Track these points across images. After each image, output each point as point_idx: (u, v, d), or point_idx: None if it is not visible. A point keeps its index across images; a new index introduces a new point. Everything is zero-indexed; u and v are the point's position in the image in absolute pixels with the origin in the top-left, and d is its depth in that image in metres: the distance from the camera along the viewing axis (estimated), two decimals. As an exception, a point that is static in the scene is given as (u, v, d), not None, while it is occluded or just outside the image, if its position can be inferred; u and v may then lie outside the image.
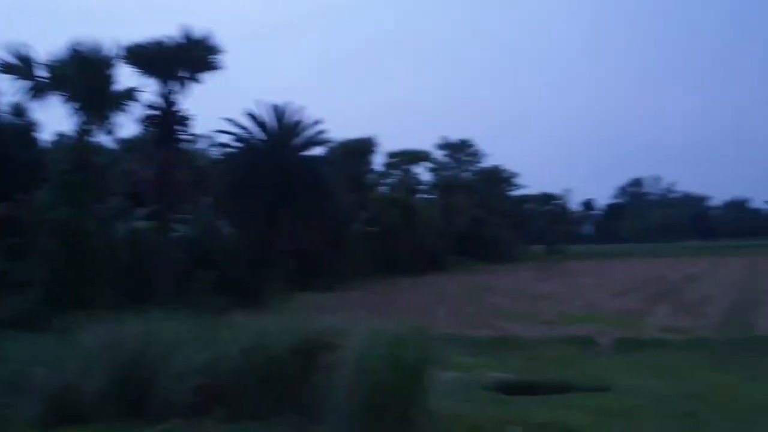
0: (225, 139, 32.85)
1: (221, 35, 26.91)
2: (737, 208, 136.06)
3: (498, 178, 68.88)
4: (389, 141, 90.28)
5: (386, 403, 6.62)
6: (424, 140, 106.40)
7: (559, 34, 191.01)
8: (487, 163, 68.49)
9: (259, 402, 7.42)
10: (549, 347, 14.40)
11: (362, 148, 45.19)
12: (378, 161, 51.10)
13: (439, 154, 65.19)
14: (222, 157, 34.11)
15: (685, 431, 7.64)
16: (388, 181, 54.12)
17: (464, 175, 66.61)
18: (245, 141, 32.12)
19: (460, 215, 54.84)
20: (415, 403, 6.91)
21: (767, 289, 26.91)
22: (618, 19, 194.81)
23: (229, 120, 31.66)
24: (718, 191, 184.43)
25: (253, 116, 31.84)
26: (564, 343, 14.92)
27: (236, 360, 7.59)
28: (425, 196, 57.68)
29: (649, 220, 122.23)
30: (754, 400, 8.86)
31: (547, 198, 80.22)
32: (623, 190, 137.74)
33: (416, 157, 56.39)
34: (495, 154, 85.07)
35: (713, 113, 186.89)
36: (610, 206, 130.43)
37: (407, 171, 55.86)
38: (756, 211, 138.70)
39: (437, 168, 63.13)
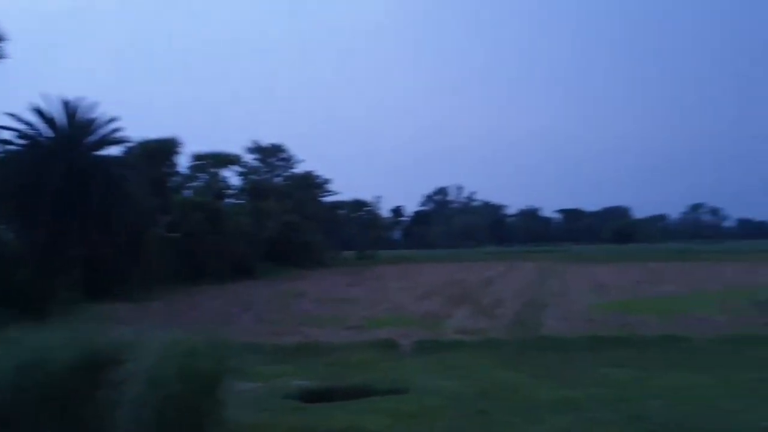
0: (7, 135, 29.61)
1: (5, 22, 24.33)
2: (530, 216, 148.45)
3: (311, 184, 68.66)
4: (196, 143, 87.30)
5: (179, 417, 6.18)
6: (234, 143, 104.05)
7: (370, 43, 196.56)
8: (300, 168, 68.35)
9: (36, 423, 6.58)
10: (353, 352, 14.41)
11: (165, 149, 42.64)
12: (183, 163, 48.78)
13: (249, 158, 64.08)
14: (3, 155, 30.68)
15: (476, 428, 7.80)
16: (194, 184, 51.82)
17: (276, 179, 65.91)
18: (31, 138, 29.18)
19: (271, 220, 54.07)
20: (209, 416, 6.53)
21: (554, 292, 29.15)
22: (429, 28, 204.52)
23: (12, 115, 28.62)
24: (514, 200, 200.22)
25: (40, 111, 29.02)
26: (368, 347, 15.00)
27: (10, 378, 6.63)
28: (234, 200, 56.16)
29: (452, 226, 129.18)
30: (540, 396, 9.29)
31: (358, 204, 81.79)
32: (429, 198, 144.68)
33: (225, 160, 54.43)
34: (308, 160, 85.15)
35: (510, 127, 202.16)
36: (418, 213, 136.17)
37: (215, 174, 53.82)
38: (546, 219, 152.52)
39: (247, 172, 61.78)
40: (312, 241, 58.52)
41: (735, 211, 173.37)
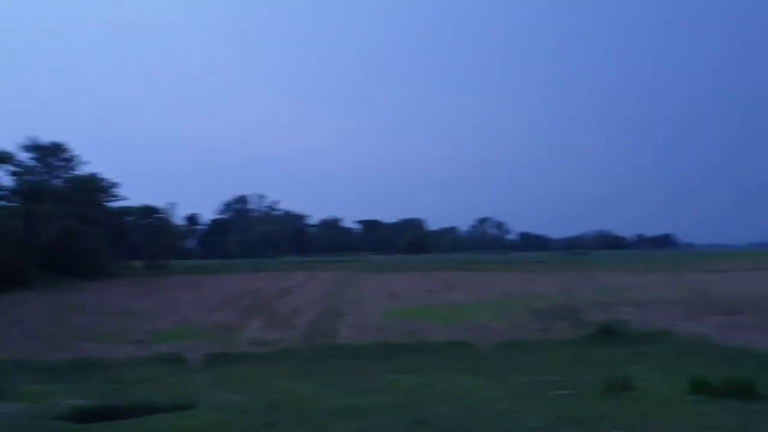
0: None
1: None
2: (331, 226, 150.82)
3: (95, 187, 63.27)
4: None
5: None
6: (6, 140, 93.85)
7: (168, 44, 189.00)
8: (83, 170, 62.88)
9: None
10: (136, 367, 13.55)
11: None
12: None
13: (25, 157, 57.90)
14: None
15: (262, 441, 7.51)
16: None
17: (55, 181, 60.13)
18: None
19: (48, 226, 49.28)
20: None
21: (350, 301, 29.54)
22: (228, 31, 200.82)
23: None
24: (316, 211, 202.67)
25: None
26: (153, 362, 14.23)
27: None
28: (5, 203, 50.39)
29: (252, 235, 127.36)
30: (330, 405, 9.18)
31: (149, 210, 77.45)
32: (228, 206, 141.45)
33: (-6, 157, 48.77)
34: (93, 162, 78.79)
35: (314, 138, 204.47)
36: (215, 221, 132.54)
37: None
38: (347, 230, 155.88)
39: (22, 172, 55.72)
40: (95, 248, 54.12)
41: (517, 225, 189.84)
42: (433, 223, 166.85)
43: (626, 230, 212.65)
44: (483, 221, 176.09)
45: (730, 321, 19.16)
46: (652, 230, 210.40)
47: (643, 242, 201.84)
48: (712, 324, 18.55)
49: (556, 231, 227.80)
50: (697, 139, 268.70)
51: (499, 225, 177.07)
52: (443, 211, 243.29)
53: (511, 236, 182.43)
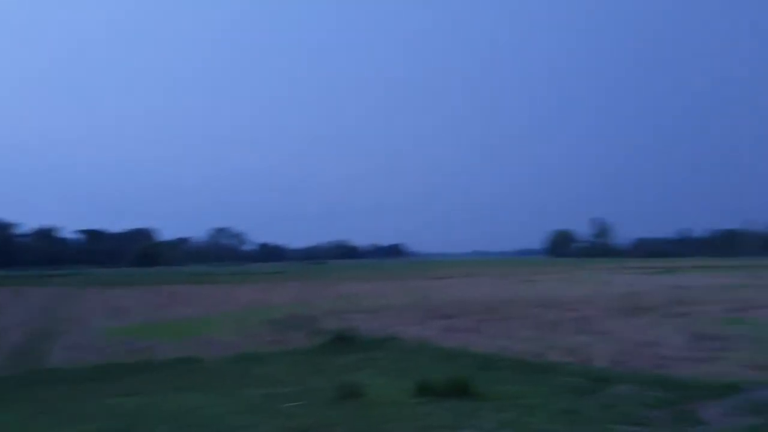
0: None
1: None
2: (45, 236, 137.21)
3: None
4: None
5: None
6: None
7: None
8: None
9: None
10: None
11: None
12: None
13: None
14: None
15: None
16: None
17: None
18: None
19: None
20: None
21: (66, 319, 26.99)
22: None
23: None
24: (28, 218, 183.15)
25: None
26: None
27: None
28: None
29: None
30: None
31: None
32: None
33: None
34: None
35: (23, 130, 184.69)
36: None
37: None
38: (64, 240, 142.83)
39: None
40: None
41: (256, 235, 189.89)
42: (166, 233, 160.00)
43: (362, 240, 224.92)
44: (219, 231, 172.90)
45: (449, 324, 20.67)
46: (384, 240, 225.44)
47: (376, 251, 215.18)
48: (434, 328, 19.84)
49: (294, 241, 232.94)
50: (425, 154, 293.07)
51: (237, 235, 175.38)
52: (177, 220, 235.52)
53: (249, 247, 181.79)
